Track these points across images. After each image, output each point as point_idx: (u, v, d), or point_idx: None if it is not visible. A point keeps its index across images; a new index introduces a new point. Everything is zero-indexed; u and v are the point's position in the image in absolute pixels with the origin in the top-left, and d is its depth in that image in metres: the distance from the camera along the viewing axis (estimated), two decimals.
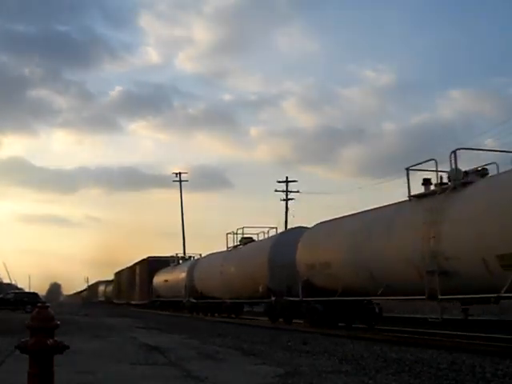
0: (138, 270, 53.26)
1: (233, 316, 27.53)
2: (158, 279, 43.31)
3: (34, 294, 44.59)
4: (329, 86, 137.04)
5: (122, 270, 63.97)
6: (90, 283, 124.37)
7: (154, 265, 46.02)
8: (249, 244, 26.75)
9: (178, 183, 57.01)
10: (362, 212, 16.89)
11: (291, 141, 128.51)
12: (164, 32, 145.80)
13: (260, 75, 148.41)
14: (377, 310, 17.58)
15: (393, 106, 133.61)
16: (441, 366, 7.82)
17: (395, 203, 15.14)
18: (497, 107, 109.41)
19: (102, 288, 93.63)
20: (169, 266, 42.01)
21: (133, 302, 54.22)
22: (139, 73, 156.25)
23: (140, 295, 51.46)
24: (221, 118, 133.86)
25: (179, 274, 37.54)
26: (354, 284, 15.93)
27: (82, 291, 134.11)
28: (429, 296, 12.33)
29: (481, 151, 14.78)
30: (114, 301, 68.62)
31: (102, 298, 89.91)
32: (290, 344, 11.60)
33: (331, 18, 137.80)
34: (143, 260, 51.03)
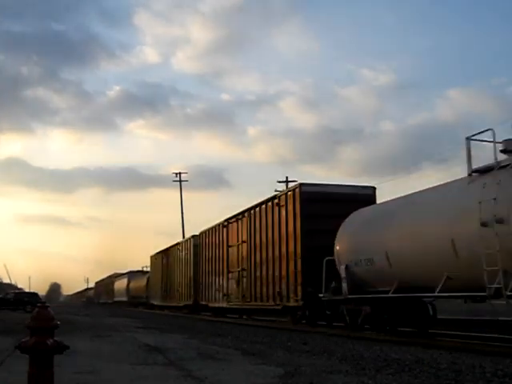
0: (238, 228, 24.34)
1: None
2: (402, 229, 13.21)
3: (34, 294, 44.61)
4: (327, 86, 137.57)
5: (173, 247, 38.03)
6: (98, 279, 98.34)
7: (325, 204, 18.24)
8: None
9: (177, 182, 56.55)
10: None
11: (290, 140, 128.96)
12: (161, 31, 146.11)
13: (258, 75, 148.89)
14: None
15: (391, 105, 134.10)
16: (441, 366, 7.81)
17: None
18: (496, 107, 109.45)
19: (121, 283, 65.52)
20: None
21: (220, 306, 26.89)
22: (137, 72, 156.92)
23: (257, 291, 21.66)
24: (219, 118, 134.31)
25: None
26: None
27: (84, 290, 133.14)
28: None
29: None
30: (154, 302, 43.89)
31: (121, 298, 64.09)
32: (289, 344, 11.60)
33: (329, 17, 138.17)
34: (281, 197, 20.18)
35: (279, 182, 46.69)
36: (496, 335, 12.48)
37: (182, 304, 34.72)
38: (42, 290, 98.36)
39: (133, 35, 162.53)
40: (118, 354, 9.64)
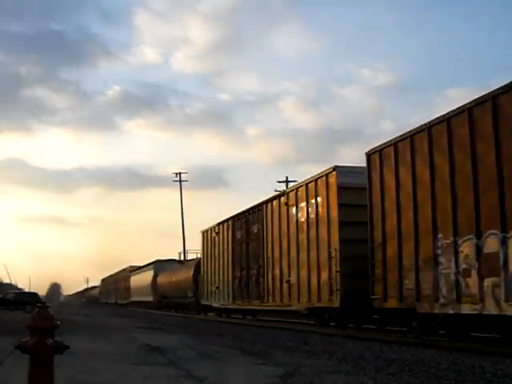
0: None
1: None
2: None
3: (34, 294, 44.60)
4: (327, 86, 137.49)
5: (269, 202, 21.37)
6: (104, 276, 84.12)
7: None
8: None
9: (177, 182, 56.04)
10: None
11: (290, 140, 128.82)
12: (161, 31, 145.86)
13: (258, 75, 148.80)
14: None
15: (391, 105, 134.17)
16: (441, 366, 7.82)
17: None
18: None
19: (142, 277, 50.51)
20: None
21: None
22: (136, 72, 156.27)
23: None
24: (219, 118, 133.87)
25: None
26: None
27: (84, 290, 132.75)
28: None
29: None
30: (213, 304, 27.83)
31: (142, 297, 49.89)
32: (289, 344, 11.60)
33: (329, 17, 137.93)
34: None
35: (279, 182, 46.46)
36: (496, 335, 12.48)
37: (302, 307, 18.16)
38: (41, 290, 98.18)
39: (132, 35, 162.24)
40: (118, 354, 9.65)
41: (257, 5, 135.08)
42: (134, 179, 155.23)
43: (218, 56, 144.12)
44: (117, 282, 67.74)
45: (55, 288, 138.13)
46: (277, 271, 19.96)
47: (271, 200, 21.07)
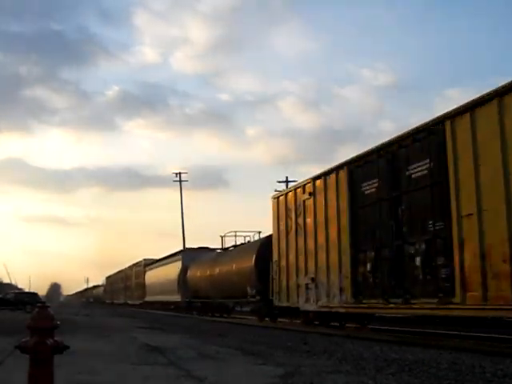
0: None
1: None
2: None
3: (34, 294, 44.74)
4: (327, 86, 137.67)
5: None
6: (110, 273, 73.09)
7: None
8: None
9: (176, 182, 55.46)
10: None
11: (290, 140, 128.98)
12: (160, 31, 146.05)
13: (257, 75, 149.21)
14: None
15: (391, 105, 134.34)
16: (441, 366, 7.81)
17: None
18: None
19: (163, 272, 40.34)
20: None
21: None
22: (136, 72, 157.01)
23: None
24: (219, 118, 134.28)
25: None
26: None
27: (84, 290, 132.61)
28: None
29: None
30: (354, 303, 14.56)
31: (165, 297, 40.07)
32: (289, 344, 11.59)
33: (329, 17, 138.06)
34: None
35: (279, 182, 46.31)
36: (496, 335, 12.48)
37: None
38: (41, 290, 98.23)
39: (132, 35, 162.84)
40: (118, 354, 9.65)
41: (257, 5, 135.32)
42: (133, 179, 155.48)
43: (218, 56, 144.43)
44: (127, 279, 57.65)
45: (55, 288, 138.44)
46: (491, 239, 10.09)
47: (469, 108, 10.82)
